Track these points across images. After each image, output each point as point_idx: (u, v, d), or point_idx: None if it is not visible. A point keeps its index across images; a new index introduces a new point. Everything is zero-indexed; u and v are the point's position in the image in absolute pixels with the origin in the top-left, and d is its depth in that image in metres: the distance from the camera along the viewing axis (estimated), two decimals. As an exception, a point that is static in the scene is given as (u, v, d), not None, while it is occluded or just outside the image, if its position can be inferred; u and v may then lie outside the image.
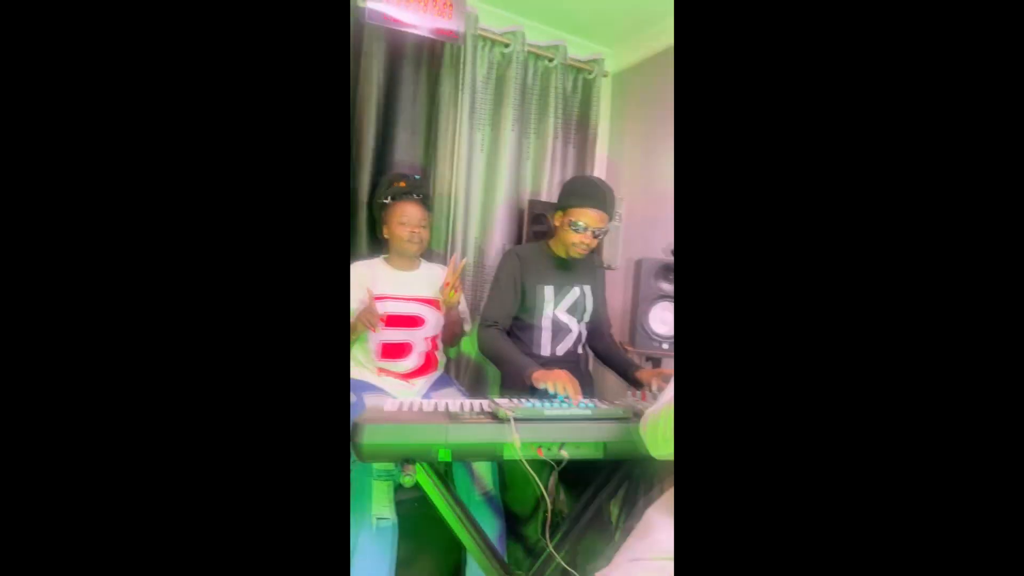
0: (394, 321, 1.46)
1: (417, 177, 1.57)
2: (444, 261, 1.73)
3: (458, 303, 1.52)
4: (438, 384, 1.53)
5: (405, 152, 1.76)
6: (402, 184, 1.50)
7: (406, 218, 1.47)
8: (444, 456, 0.88)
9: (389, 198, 1.49)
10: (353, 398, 1.37)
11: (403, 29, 1.68)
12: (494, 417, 0.94)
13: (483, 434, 0.90)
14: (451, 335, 1.57)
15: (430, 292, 1.52)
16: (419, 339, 1.50)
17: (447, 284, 1.45)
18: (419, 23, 1.70)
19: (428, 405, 1.03)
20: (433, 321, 1.51)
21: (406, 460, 0.89)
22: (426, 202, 1.53)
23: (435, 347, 1.55)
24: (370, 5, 1.62)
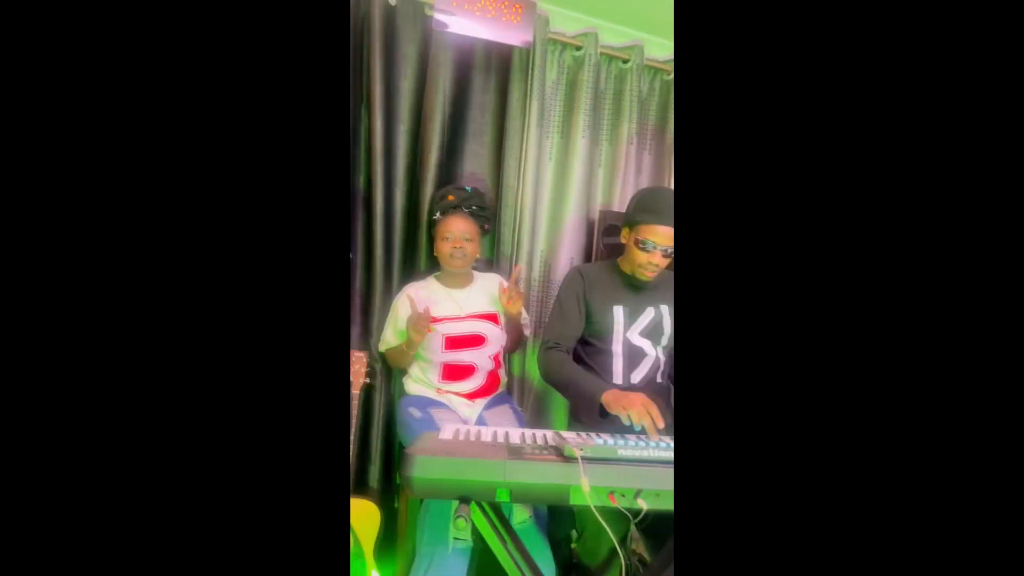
0: (454, 343, 1.40)
1: (468, 189, 1.51)
2: (506, 271, 1.66)
3: (519, 314, 1.45)
4: (494, 402, 1.46)
5: (472, 163, 1.71)
6: (451, 198, 1.45)
7: (449, 233, 1.41)
8: (503, 497, 0.78)
9: (439, 213, 1.45)
10: (419, 413, 1.34)
11: (471, 36, 1.64)
12: (559, 453, 0.82)
13: (547, 474, 0.79)
14: (511, 340, 1.52)
15: (487, 306, 1.45)
16: (483, 358, 1.43)
17: (504, 292, 1.40)
18: (488, 30, 1.65)
19: (487, 434, 0.94)
20: (494, 337, 1.44)
21: (462, 499, 0.80)
22: (480, 214, 1.46)
23: (499, 365, 1.49)
24: (438, 15, 1.60)
